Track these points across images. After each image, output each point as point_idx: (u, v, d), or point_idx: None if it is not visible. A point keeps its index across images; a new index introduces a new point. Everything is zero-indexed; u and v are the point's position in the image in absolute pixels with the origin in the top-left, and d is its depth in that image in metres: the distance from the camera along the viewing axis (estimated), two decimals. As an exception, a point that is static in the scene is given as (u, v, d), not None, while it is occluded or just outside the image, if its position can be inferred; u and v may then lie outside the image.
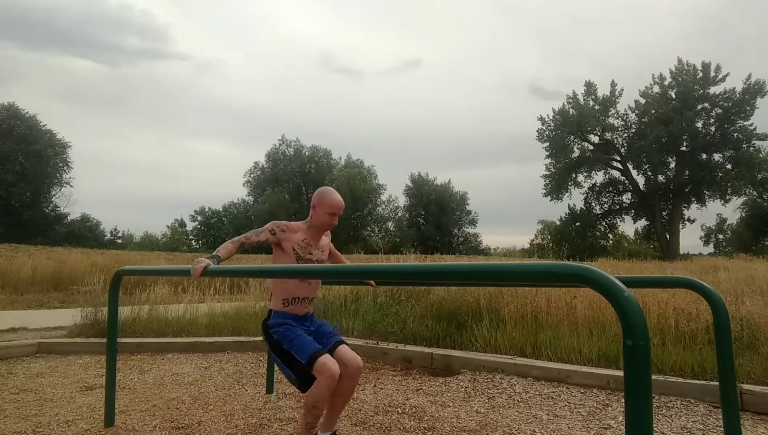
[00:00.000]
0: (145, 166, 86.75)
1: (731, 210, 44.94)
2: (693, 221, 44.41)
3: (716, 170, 39.68)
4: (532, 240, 53.15)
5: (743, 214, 42.13)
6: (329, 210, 2.70)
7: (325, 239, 2.86)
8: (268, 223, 2.73)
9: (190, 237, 56.46)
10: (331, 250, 3.03)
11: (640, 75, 78.17)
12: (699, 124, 39.69)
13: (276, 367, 3.74)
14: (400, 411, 3.47)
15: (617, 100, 41.78)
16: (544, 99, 75.46)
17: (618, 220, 46.28)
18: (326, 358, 2.43)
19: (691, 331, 4.67)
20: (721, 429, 2.87)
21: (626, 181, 44.10)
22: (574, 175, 43.65)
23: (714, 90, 38.82)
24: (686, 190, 40.71)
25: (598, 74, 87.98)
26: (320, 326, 2.78)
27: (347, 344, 2.70)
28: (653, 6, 68.81)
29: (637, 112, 41.63)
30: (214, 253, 2.61)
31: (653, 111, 39.78)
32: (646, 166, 42.27)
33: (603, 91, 42.28)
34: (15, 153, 39.14)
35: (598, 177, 44.90)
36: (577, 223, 45.17)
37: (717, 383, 2.50)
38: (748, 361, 3.97)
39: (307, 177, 54.46)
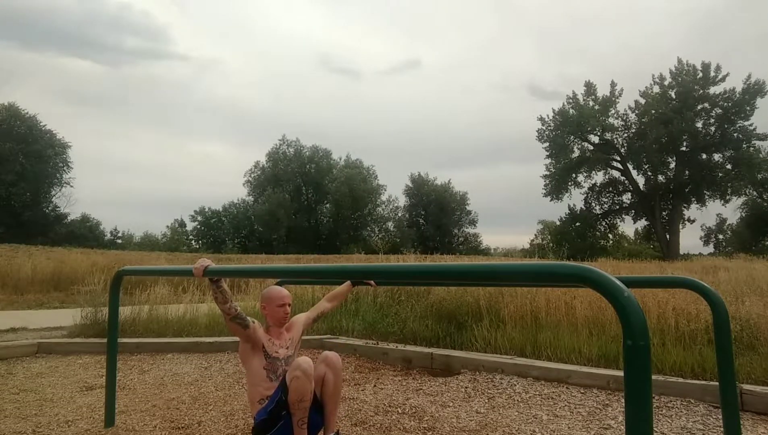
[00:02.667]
0: (145, 166, 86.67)
1: (731, 210, 44.92)
2: (693, 221, 44.46)
3: (716, 170, 39.68)
4: (532, 240, 53.20)
5: (743, 214, 42.15)
6: (278, 302, 2.70)
7: (291, 331, 2.82)
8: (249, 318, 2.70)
9: (190, 237, 56.38)
10: (313, 315, 2.98)
11: (640, 75, 78.05)
12: (699, 124, 39.69)
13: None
14: (400, 411, 3.47)
15: (617, 100, 41.80)
16: (544, 99, 75.47)
17: (618, 220, 46.34)
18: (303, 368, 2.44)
19: (691, 331, 4.67)
20: (721, 429, 2.87)
21: (626, 181, 44.10)
22: (574, 175, 43.65)
23: (714, 90, 38.84)
24: (686, 190, 40.71)
25: (598, 74, 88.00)
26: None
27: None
28: (653, 6, 68.83)
29: (637, 112, 41.64)
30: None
31: (653, 111, 39.78)
32: (646, 166, 42.27)
33: (603, 91, 42.36)
34: (15, 153, 39.12)
35: (598, 177, 44.96)
36: (577, 223, 45.18)
37: (717, 383, 2.50)
38: (748, 361, 3.97)
39: (307, 177, 54.44)
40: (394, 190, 70.43)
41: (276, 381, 2.65)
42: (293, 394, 2.44)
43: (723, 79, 38.42)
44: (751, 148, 38.16)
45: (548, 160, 44.02)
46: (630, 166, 43.08)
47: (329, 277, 3.64)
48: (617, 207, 45.46)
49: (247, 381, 2.79)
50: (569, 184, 43.75)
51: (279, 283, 4.06)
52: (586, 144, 43.55)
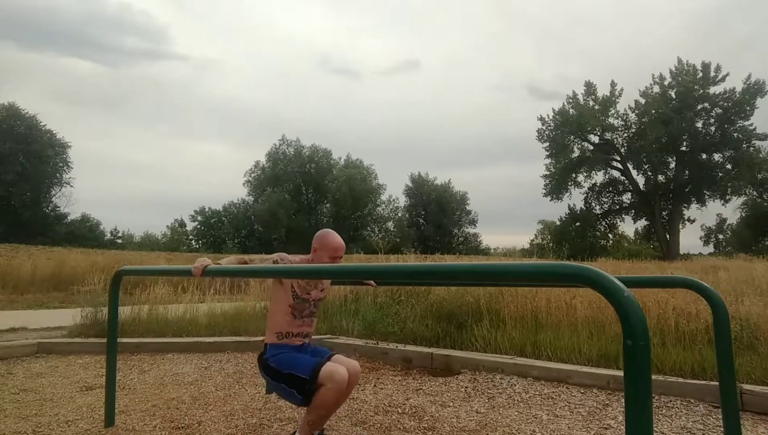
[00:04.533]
0: (145, 166, 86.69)
1: (731, 210, 44.94)
2: (693, 221, 44.49)
3: (716, 170, 39.69)
4: (532, 240, 53.28)
5: (743, 214, 42.17)
6: (331, 253, 2.70)
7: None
8: (275, 254, 2.78)
9: (190, 237, 56.39)
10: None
11: (640, 75, 78.23)
12: (699, 124, 39.71)
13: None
14: (400, 411, 3.47)
15: (617, 100, 41.80)
16: (543, 99, 75.54)
17: (618, 220, 46.36)
18: (330, 365, 2.45)
19: (691, 331, 4.67)
20: (721, 429, 2.87)
21: (626, 181, 44.11)
22: (574, 175, 43.67)
23: (714, 90, 38.84)
24: (686, 190, 40.72)
25: (598, 74, 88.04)
26: (316, 349, 2.83)
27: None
28: (653, 6, 68.81)
29: (637, 112, 41.64)
30: (219, 261, 2.66)
31: (653, 111, 39.78)
32: (646, 166, 42.28)
33: (603, 91, 42.36)
34: (15, 153, 39.11)
35: (598, 177, 44.99)
36: (577, 223, 45.17)
37: (717, 383, 2.50)
38: (748, 361, 3.97)
39: (307, 177, 54.44)
40: (394, 190, 70.53)
41: (299, 319, 2.69)
42: (318, 403, 2.42)
43: (723, 79, 38.45)
44: (751, 148, 38.18)
45: (548, 160, 44.09)
46: (630, 166, 43.09)
47: (329, 277, 3.64)
48: (617, 207, 45.48)
49: (270, 308, 2.80)
50: (569, 184, 43.77)
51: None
52: (586, 144, 43.57)
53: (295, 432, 2.65)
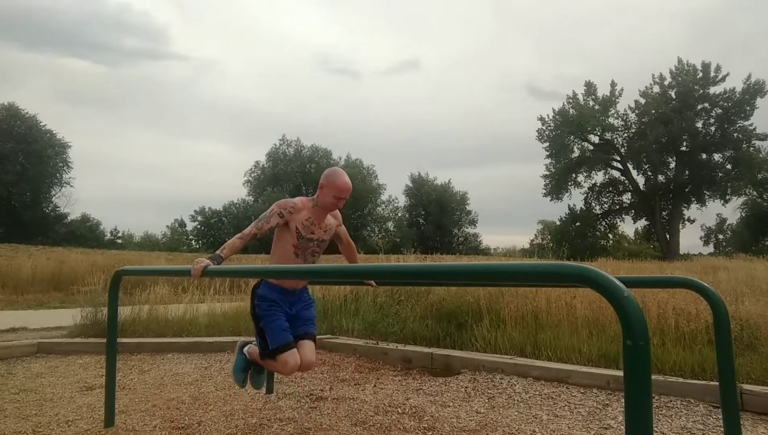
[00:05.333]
0: (145, 166, 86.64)
1: (731, 210, 44.97)
2: (693, 221, 44.47)
3: (716, 170, 39.67)
4: (532, 240, 53.20)
5: (743, 214, 42.13)
6: (335, 193, 2.67)
7: (332, 221, 2.86)
8: (274, 205, 2.73)
9: (190, 237, 56.34)
10: (343, 237, 3.02)
11: (640, 75, 78.07)
12: (699, 124, 39.69)
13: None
14: (400, 411, 3.47)
15: (617, 100, 41.78)
16: (543, 99, 75.49)
17: (618, 220, 46.33)
18: (288, 355, 2.63)
19: (691, 331, 4.66)
20: (721, 429, 2.87)
21: (626, 181, 44.09)
22: (574, 175, 43.63)
23: (714, 90, 38.83)
24: (686, 190, 40.70)
25: (598, 74, 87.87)
26: (304, 309, 2.85)
27: (314, 340, 2.84)
28: (653, 6, 68.81)
29: (637, 112, 41.63)
30: (216, 252, 2.59)
31: (653, 111, 39.77)
32: (646, 166, 42.26)
33: (603, 91, 42.31)
34: (15, 153, 39.09)
35: (598, 177, 44.94)
36: (577, 223, 45.16)
37: (717, 383, 2.50)
38: (748, 361, 3.97)
39: (307, 177, 54.37)
40: (394, 190, 70.39)
41: (302, 259, 2.74)
42: (266, 363, 2.80)
43: (723, 79, 38.44)
44: (751, 148, 38.17)
45: (548, 160, 44.04)
46: (630, 166, 43.07)
47: (329, 278, 3.64)
48: (617, 207, 45.46)
49: (273, 247, 2.82)
50: (569, 184, 43.73)
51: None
52: (586, 144, 43.55)
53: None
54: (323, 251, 2.92)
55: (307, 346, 2.77)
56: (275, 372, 2.83)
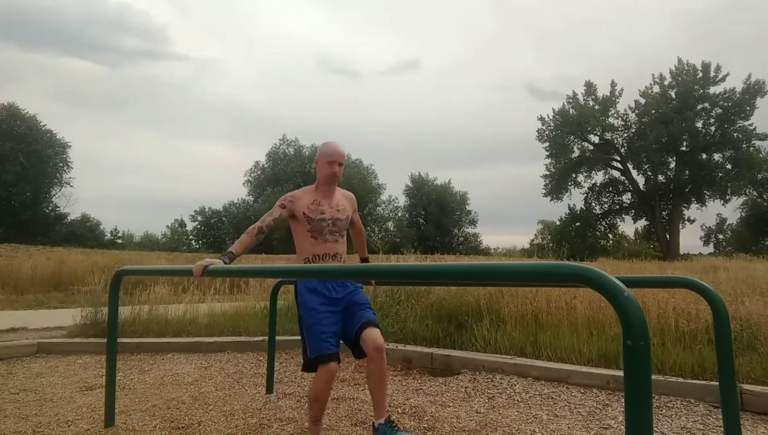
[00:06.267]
0: (145, 166, 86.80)
1: (731, 210, 44.99)
2: (693, 221, 44.46)
3: (716, 170, 39.65)
4: (532, 240, 53.20)
5: (743, 214, 42.13)
6: (327, 158, 2.69)
7: (343, 199, 2.83)
8: (280, 199, 2.77)
9: (190, 237, 56.34)
10: (355, 223, 2.96)
11: (640, 75, 78.19)
12: (699, 124, 39.67)
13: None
14: (400, 411, 3.47)
15: (617, 100, 41.75)
16: (543, 99, 75.52)
17: (618, 220, 46.30)
18: (327, 368, 2.49)
19: (691, 331, 4.66)
20: (721, 429, 2.87)
21: (626, 181, 44.07)
22: (574, 175, 43.62)
23: (714, 90, 38.81)
24: (686, 190, 40.69)
25: (598, 74, 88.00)
26: (354, 294, 2.69)
27: (375, 323, 2.63)
28: (653, 6, 68.81)
29: (637, 112, 41.60)
30: (229, 249, 2.60)
31: (653, 111, 39.75)
32: (646, 166, 42.24)
33: (603, 91, 42.30)
34: (15, 153, 39.09)
35: (598, 177, 44.93)
36: (577, 223, 45.14)
37: (717, 383, 2.50)
38: (748, 361, 3.96)
39: (307, 177, 54.28)
40: (394, 190, 70.45)
41: (321, 240, 2.67)
42: (310, 391, 2.54)
43: (723, 79, 38.42)
44: (751, 148, 38.15)
45: (548, 160, 44.02)
46: (630, 166, 43.06)
47: (329, 277, 3.63)
48: (617, 207, 45.44)
49: (294, 243, 2.81)
50: (569, 184, 43.72)
51: (279, 283, 4.08)
52: (586, 144, 43.54)
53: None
54: (345, 232, 2.82)
55: (369, 331, 2.56)
56: (315, 395, 2.55)
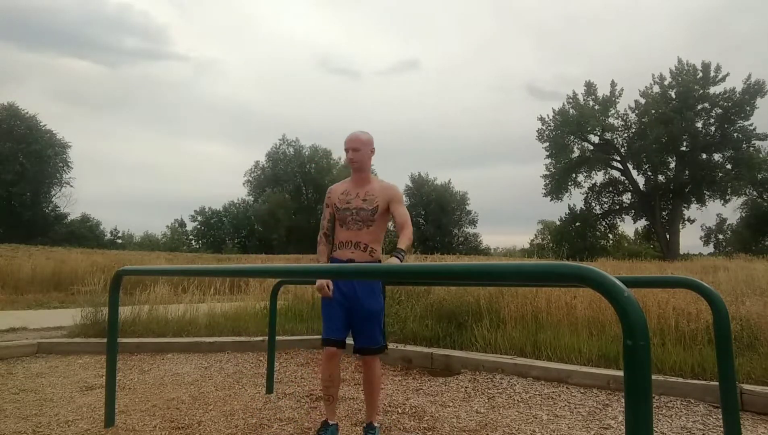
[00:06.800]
0: (145, 166, 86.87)
1: (731, 210, 44.90)
2: (693, 221, 44.43)
3: (716, 170, 39.65)
4: (532, 240, 53.24)
5: (743, 214, 42.14)
6: (344, 146, 2.86)
7: (377, 190, 2.84)
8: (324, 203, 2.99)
9: (190, 237, 56.37)
10: (394, 214, 2.85)
11: (640, 75, 78.16)
12: (699, 124, 39.67)
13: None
14: (400, 411, 3.47)
15: (617, 100, 41.76)
16: (543, 99, 75.55)
17: (618, 220, 46.30)
18: (327, 350, 2.79)
19: (691, 331, 4.66)
20: (721, 429, 2.87)
21: (626, 181, 44.08)
22: (574, 175, 43.62)
23: (714, 90, 38.81)
24: (686, 190, 40.69)
25: (598, 74, 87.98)
26: (367, 295, 2.78)
27: (366, 349, 2.86)
28: (653, 6, 68.82)
29: (637, 112, 41.60)
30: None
31: (653, 111, 39.75)
32: (646, 166, 42.24)
33: (603, 91, 42.30)
34: (15, 153, 39.12)
35: (598, 177, 44.93)
36: (577, 223, 45.13)
37: (717, 383, 2.49)
38: (748, 361, 3.97)
39: (307, 177, 54.39)
40: (393, 190, 70.11)
41: (345, 228, 2.85)
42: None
43: (723, 79, 38.42)
44: (751, 148, 38.17)
45: (548, 160, 44.03)
46: (630, 166, 43.06)
47: (329, 277, 3.63)
48: (617, 207, 45.44)
49: None
50: (569, 184, 43.72)
51: (279, 283, 4.08)
52: (586, 144, 43.54)
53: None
54: (373, 222, 2.81)
55: (366, 365, 2.89)
56: (322, 371, 2.92)
